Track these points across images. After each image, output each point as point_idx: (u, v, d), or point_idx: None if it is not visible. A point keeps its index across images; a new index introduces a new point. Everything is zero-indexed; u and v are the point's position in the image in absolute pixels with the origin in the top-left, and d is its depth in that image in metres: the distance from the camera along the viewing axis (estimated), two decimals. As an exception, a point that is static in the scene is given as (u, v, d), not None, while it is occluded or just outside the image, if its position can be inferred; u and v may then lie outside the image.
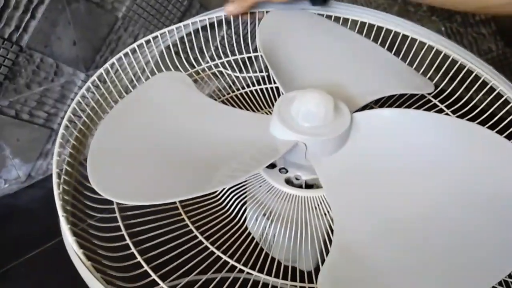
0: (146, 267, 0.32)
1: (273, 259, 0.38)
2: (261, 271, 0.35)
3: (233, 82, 0.55)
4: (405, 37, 0.50)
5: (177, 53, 0.52)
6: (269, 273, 0.35)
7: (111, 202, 0.35)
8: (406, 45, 0.50)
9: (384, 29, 0.51)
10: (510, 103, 0.42)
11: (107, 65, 0.46)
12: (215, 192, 0.40)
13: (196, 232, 0.37)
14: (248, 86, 0.53)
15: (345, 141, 0.37)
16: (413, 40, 0.50)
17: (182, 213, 0.39)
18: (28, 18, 0.64)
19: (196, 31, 0.53)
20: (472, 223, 0.31)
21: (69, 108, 0.42)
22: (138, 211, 0.36)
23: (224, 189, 0.40)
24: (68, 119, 0.41)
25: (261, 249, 0.37)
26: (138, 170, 0.34)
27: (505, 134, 0.37)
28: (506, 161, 0.34)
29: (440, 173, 0.34)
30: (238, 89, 0.53)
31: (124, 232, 0.35)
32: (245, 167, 0.33)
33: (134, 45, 0.48)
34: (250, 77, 0.54)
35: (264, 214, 0.42)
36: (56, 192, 0.35)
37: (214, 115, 0.42)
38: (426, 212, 0.32)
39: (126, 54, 0.48)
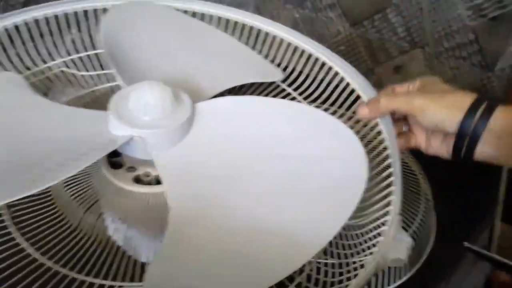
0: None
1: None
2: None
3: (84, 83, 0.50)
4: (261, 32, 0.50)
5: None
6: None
7: None
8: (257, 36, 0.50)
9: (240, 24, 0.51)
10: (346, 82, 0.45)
11: None
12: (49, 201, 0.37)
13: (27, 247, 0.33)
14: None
15: (187, 132, 0.36)
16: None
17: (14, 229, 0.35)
18: None
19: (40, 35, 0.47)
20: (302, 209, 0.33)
21: None
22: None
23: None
24: None
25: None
26: None
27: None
28: (336, 139, 0.36)
29: (276, 158, 0.35)
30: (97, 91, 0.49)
31: None
32: (68, 163, 0.30)
33: None
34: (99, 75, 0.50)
35: (120, 218, 0.39)
36: None
37: (48, 115, 0.38)
38: (263, 199, 0.33)
39: None
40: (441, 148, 0.40)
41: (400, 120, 0.43)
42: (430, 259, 0.52)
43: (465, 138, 0.35)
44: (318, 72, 0.47)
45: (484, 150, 0.35)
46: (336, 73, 0.45)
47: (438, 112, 0.36)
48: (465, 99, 0.35)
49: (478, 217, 0.64)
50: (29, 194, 0.30)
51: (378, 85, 0.70)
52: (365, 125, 0.42)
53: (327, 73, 0.47)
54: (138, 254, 0.38)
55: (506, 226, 0.64)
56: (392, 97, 0.39)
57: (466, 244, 0.58)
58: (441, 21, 0.74)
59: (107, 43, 0.43)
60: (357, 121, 0.48)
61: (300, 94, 0.48)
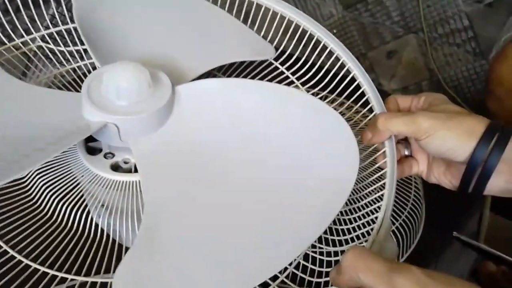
0: None
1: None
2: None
3: (66, 60, 0.47)
4: (251, 3, 0.47)
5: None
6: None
7: None
8: (252, 11, 0.47)
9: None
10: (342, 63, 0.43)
11: None
12: (27, 190, 0.35)
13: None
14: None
15: (167, 117, 0.34)
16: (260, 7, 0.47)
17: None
18: None
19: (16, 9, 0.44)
20: (286, 192, 0.31)
21: None
22: None
23: (36, 185, 0.35)
24: None
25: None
26: None
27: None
28: (324, 125, 0.34)
29: (263, 149, 0.33)
30: (80, 68, 0.47)
31: None
32: (37, 151, 0.28)
33: None
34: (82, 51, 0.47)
35: (102, 205, 0.37)
36: None
37: (19, 97, 0.36)
38: (245, 194, 0.31)
39: None
40: (444, 178, 0.35)
41: (401, 142, 0.38)
42: (419, 246, 0.52)
43: (476, 170, 0.31)
44: (312, 52, 0.45)
45: (497, 184, 0.31)
46: (331, 53, 0.43)
47: (447, 138, 0.31)
48: (477, 124, 0.31)
49: (467, 206, 0.64)
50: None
51: (370, 69, 0.68)
52: (365, 116, 0.40)
53: (320, 52, 0.44)
54: (118, 237, 0.36)
55: (494, 216, 0.64)
56: (392, 117, 0.34)
57: (455, 233, 0.57)
58: (436, 6, 0.72)
59: (79, 17, 0.40)
60: (351, 109, 0.46)
61: (293, 73, 0.45)
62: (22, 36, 0.45)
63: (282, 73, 0.46)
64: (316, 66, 0.44)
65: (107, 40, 0.39)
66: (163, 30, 0.44)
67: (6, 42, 0.45)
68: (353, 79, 0.41)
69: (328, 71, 0.43)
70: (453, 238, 0.57)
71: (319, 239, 0.33)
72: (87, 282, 0.30)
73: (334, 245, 0.33)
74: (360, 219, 0.34)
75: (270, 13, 0.45)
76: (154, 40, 0.42)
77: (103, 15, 0.42)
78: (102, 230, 0.36)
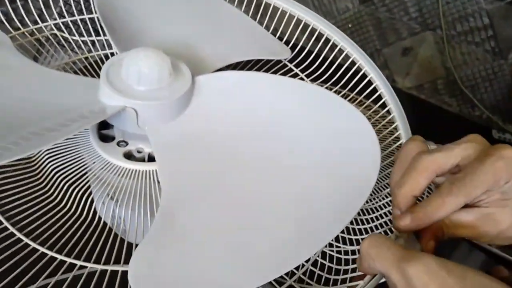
0: None
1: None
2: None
3: (78, 47, 0.47)
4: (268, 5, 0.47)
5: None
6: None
7: None
8: (270, 12, 0.47)
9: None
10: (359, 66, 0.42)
11: None
12: (37, 174, 0.34)
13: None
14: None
15: (186, 106, 0.33)
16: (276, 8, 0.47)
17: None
18: None
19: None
20: (310, 187, 0.30)
21: None
22: None
23: (46, 169, 0.34)
24: None
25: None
26: None
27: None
28: (346, 123, 0.33)
29: (281, 140, 0.33)
30: (93, 57, 0.46)
31: None
32: (50, 131, 0.27)
33: None
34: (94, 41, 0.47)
35: (112, 197, 0.37)
36: None
37: (34, 78, 0.35)
38: (264, 184, 0.30)
39: None
40: None
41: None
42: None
43: None
44: (327, 53, 0.45)
45: None
46: (348, 56, 0.43)
47: None
48: None
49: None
50: (10, 159, 0.27)
51: (385, 66, 0.67)
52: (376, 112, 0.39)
53: (335, 53, 0.44)
54: (127, 234, 0.36)
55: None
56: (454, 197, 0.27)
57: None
58: (456, 3, 0.70)
59: (101, 6, 0.40)
60: (363, 105, 0.45)
61: (308, 76, 0.45)
62: (35, 21, 0.45)
63: (297, 74, 0.46)
64: (328, 62, 0.44)
65: (127, 29, 0.39)
66: (183, 23, 0.44)
67: (20, 27, 0.44)
68: (365, 75, 0.41)
69: (340, 66, 0.44)
70: (462, 240, 0.56)
71: (337, 238, 0.32)
72: (96, 270, 0.30)
73: (352, 244, 0.32)
74: (378, 219, 0.33)
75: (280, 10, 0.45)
76: (174, 30, 0.42)
77: (123, 4, 0.41)
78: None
